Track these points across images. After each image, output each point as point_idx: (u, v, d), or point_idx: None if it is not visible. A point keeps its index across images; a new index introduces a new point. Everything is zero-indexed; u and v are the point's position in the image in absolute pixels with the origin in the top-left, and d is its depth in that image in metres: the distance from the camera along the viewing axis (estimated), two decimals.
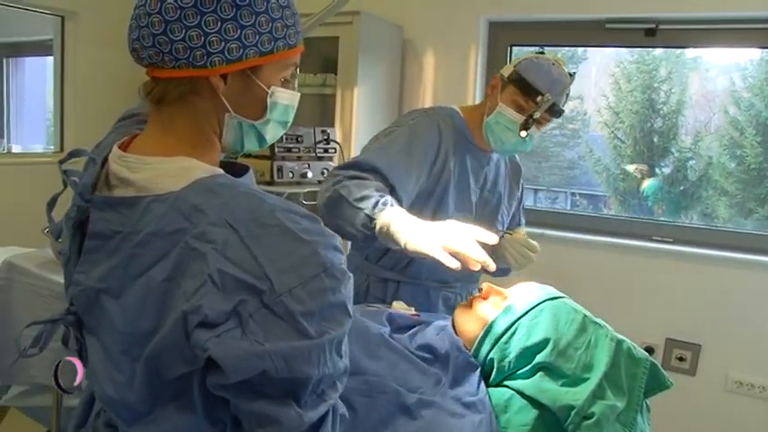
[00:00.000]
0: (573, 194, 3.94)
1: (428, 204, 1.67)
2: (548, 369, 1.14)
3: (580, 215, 3.31)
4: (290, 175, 2.39)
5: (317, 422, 0.77)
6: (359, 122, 2.85)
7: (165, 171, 0.84)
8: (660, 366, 1.18)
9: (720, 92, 3.35)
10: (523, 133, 1.63)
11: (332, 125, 2.84)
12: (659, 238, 2.93)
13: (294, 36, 0.91)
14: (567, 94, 1.70)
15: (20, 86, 4.22)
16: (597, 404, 1.07)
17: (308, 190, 2.43)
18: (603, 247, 2.95)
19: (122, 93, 3.14)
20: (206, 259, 0.75)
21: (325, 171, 2.50)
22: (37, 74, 4.23)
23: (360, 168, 1.52)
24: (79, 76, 3.30)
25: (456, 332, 1.29)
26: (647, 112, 3.46)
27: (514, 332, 1.19)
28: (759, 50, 2.95)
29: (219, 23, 0.83)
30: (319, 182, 2.49)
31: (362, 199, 1.36)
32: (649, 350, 2.81)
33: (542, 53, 1.70)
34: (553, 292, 1.27)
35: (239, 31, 0.84)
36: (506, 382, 1.19)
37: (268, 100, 0.92)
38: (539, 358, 1.14)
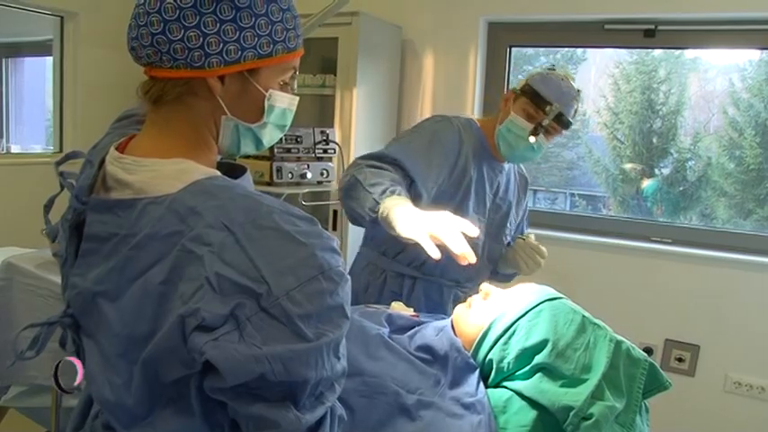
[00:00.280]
0: (572, 195, 3.94)
1: (449, 206, 1.72)
2: (547, 370, 1.14)
3: (579, 216, 3.31)
4: (290, 175, 2.39)
5: (316, 425, 0.77)
6: (358, 123, 2.86)
7: (161, 173, 0.84)
8: (659, 367, 1.18)
9: (719, 93, 3.35)
10: (532, 138, 1.74)
11: (331, 126, 2.84)
12: (658, 239, 2.93)
13: (294, 39, 0.91)
14: (576, 110, 1.80)
15: (19, 87, 4.22)
16: (596, 405, 1.07)
17: (307, 190, 2.43)
18: (603, 248, 2.96)
19: (122, 93, 3.15)
20: (203, 262, 0.75)
21: (324, 172, 2.50)
22: (36, 74, 4.22)
23: (381, 159, 1.60)
24: (78, 76, 3.30)
25: (455, 333, 1.29)
26: (647, 113, 3.46)
27: (513, 333, 1.19)
28: (758, 51, 2.96)
29: (218, 25, 0.83)
30: (318, 182, 2.50)
31: (374, 185, 1.44)
32: (648, 351, 2.81)
33: (553, 69, 1.81)
34: (552, 292, 1.27)
35: (238, 33, 0.84)
36: (505, 383, 1.19)
37: (265, 103, 0.91)
38: (538, 359, 1.14)
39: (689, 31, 2.82)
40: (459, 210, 1.75)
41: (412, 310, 1.47)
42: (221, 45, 0.83)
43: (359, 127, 2.87)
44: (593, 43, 3.17)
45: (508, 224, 1.95)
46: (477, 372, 1.20)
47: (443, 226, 1.23)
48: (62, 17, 3.26)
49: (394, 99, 3.21)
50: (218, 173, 0.87)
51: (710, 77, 3.41)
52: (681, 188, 3.39)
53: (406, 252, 1.82)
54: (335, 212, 2.73)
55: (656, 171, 3.48)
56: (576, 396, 1.09)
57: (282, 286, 0.74)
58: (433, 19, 3.16)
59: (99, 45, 3.28)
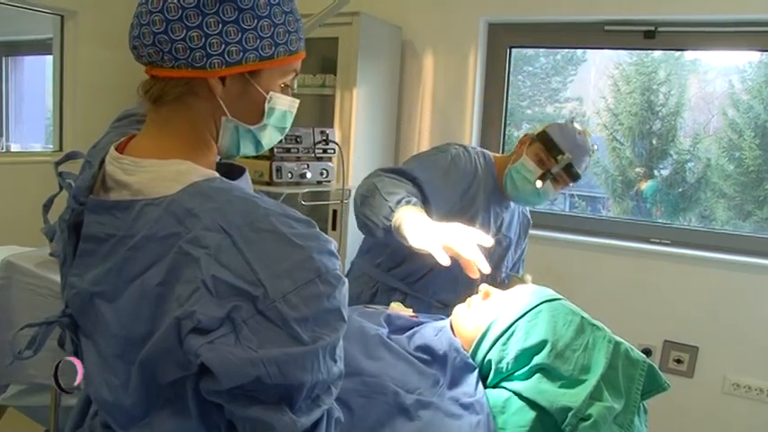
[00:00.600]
0: (571, 196, 3.94)
1: None
2: (545, 370, 1.14)
3: (579, 217, 3.31)
4: (289, 175, 2.39)
5: (311, 427, 0.77)
6: (358, 123, 2.86)
7: (160, 174, 0.84)
8: (657, 368, 1.18)
9: (719, 94, 3.35)
10: (539, 183, 1.77)
11: (331, 126, 2.84)
12: (657, 240, 2.93)
13: (296, 42, 0.91)
14: (587, 166, 1.85)
15: (19, 85, 4.21)
16: (594, 406, 1.08)
17: (306, 190, 2.43)
18: (602, 249, 2.96)
19: (122, 92, 3.15)
20: (199, 264, 0.75)
21: (324, 172, 2.50)
22: (36, 73, 4.22)
23: (401, 174, 1.64)
24: (78, 75, 3.29)
25: (454, 333, 1.29)
26: (646, 114, 3.46)
27: (512, 333, 1.19)
28: (758, 53, 2.96)
29: (221, 25, 0.83)
30: (318, 182, 2.50)
31: (392, 193, 1.47)
32: (647, 352, 2.81)
33: (573, 121, 1.85)
34: (551, 293, 1.27)
35: (240, 35, 0.84)
36: (504, 384, 1.19)
37: (266, 105, 0.91)
38: (536, 360, 1.15)
39: (689, 33, 2.82)
40: None
41: (411, 310, 1.47)
42: (223, 46, 0.83)
43: (359, 127, 2.87)
44: (593, 44, 3.17)
45: (506, 261, 1.98)
46: (476, 372, 1.20)
47: (458, 236, 1.25)
48: (62, 16, 3.26)
49: (394, 99, 3.21)
50: (217, 174, 0.87)
51: (710, 79, 3.42)
52: (680, 189, 3.40)
53: (401, 267, 1.84)
54: (335, 212, 2.73)
55: (656, 172, 3.48)
56: (574, 397, 1.09)
57: (279, 289, 0.74)
58: (433, 19, 3.16)
59: (99, 44, 3.28)
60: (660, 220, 3.35)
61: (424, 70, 3.23)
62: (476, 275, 1.26)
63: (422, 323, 1.33)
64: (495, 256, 1.90)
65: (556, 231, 3.08)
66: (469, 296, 1.33)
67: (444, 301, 1.83)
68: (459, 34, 3.12)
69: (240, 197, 0.82)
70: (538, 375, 1.15)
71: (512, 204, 1.97)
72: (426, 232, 1.30)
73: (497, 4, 3.05)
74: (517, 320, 1.20)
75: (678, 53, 3.28)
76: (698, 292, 2.77)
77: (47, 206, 0.96)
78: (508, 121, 3.32)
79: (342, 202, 2.46)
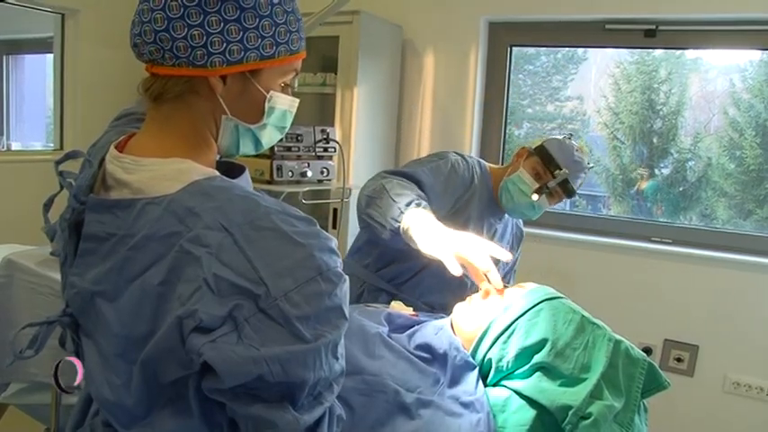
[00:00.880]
0: None
1: None
2: (546, 369, 1.14)
3: (579, 215, 3.31)
4: (290, 174, 2.39)
5: (314, 425, 0.77)
6: (359, 122, 2.86)
7: (160, 173, 0.84)
8: (658, 367, 1.18)
9: (720, 93, 3.35)
10: (535, 196, 1.79)
11: (332, 124, 2.84)
12: (658, 239, 2.93)
13: (297, 42, 0.92)
14: (581, 183, 1.87)
15: (20, 84, 4.21)
16: (595, 404, 1.08)
17: (307, 189, 2.43)
18: (602, 248, 2.96)
19: (122, 91, 3.15)
20: (201, 263, 0.75)
21: (324, 170, 2.50)
22: (37, 71, 4.22)
23: (406, 177, 1.63)
24: (79, 73, 3.29)
25: (454, 332, 1.29)
26: (647, 113, 3.46)
27: (513, 332, 1.19)
28: (759, 52, 2.95)
29: (222, 24, 0.83)
30: (319, 181, 2.50)
31: (401, 195, 1.46)
32: (647, 351, 2.81)
33: (570, 137, 1.87)
34: (552, 292, 1.27)
35: (242, 33, 0.84)
36: (504, 382, 1.19)
37: (266, 104, 0.92)
38: (537, 358, 1.15)
39: (690, 32, 2.82)
40: None
41: (411, 309, 1.47)
42: (224, 45, 0.84)
43: (359, 126, 2.87)
44: (594, 43, 3.17)
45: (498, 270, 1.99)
46: (477, 370, 1.20)
47: (471, 247, 1.25)
48: (63, 14, 3.26)
49: (394, 98, 3.21)
50: (217, 173, 0.87)
51: (711, 78, 3.41)
52: (681, 188, 3.39)
53: (389, 268, 1.83)
54: (335, 211, 2.73)
55: (657, 171, 3.48)
56: (574, 395, 1.09)
57: (281, 287, 0.74)
58: (433, 18, 3.16)
59: (100, 42, 3.28)
60: (661, 219, 3.35)
61: (425, 69, 3.23)
62: (483, 288, 1.28)
63: (422, 322, 1.33)
64: None
65: (556, 230, 3.08)
66: (458, 299, 1.34)
67: (431, 303, 1.83)
68: (460, 33, 3.12)
69: (241, 196, 0.82)
70: (538, 374, 1.15)
71: (506, 216, 1.98)
72: (438, 239, 1.29)
73: (498, 2, 3.05)
74: (517, 319, 1.20)
75: (679, 52, 3.27)
76: (698, 291, 2.77)
77: (47, 205, 0.96)
78: (509, 120, 3.32)
79: (342, 200, 2.46)
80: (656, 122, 3.45)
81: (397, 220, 1.41)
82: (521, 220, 2.09)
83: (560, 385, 1.12)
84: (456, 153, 1.87)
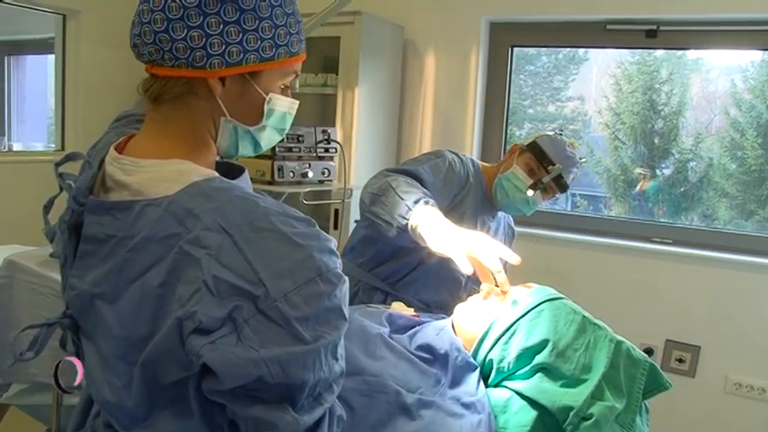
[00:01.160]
0: (573, 195, 3.93)
1: None
2: (547, 370, 1.14)
3: (581, 216, 3.31)
4: (291, 174, 2.39)
5: (314, 425, 0.77)
6: (360, 122, 2.86)
7: (159, 174, 0.84)
8: (659, 368, 1.18)
9: (721, 93, 3.35)
10: (530, 192, 1.82)
11: (333, 125, 2.84)
12: (659, 240, 2.93)
13: (297, 44, 0.92)
14: (574, 177, 1.90)
15: (21, 84, 4.22)
16: (596, 405, 1.07)
17: (308, 190, 2.43)
18: (604, 248, 2.96)
19: (124, 91, 3.15)
20: (200, 265, 0.75)
21: (325, 171, 2.50)
22: (38, 72, 4.22)
23: (408, 174, 1.64)
24: (80, 74, 3.30)
25: (455, 332, 1.29)
26: (648, 114, 3.46)
27: (514, 333, 1.19)
28: (760, 52, 2.95)
29: (222, 26, 0.83)
30: (320, 181, 2.50)
31: (408, 192, 1.46)
32: (649, 351, 2.81)
33: (561, 133, 1.90)
34: (553, 292, 1.27)
35: (241, 35, 0.84)
36: (505, 383, 1.19)
37: (265, 106, 0.92)
38: (538, 359, 1.14)
39: (691, 32, 2.82)
40: None
41: (412, 310, 1.47)
42: (224, 46, 0.84)
43: (360, 126, 2.87)
44: (595, 43, 3.17)
45: None
46: (478, 371, 1.20)
47: (483, 246, 1.25)
48: (64, 15, 3.27)
49: (395, 98, 3.21)
50: (216, 174, 0.87)
51: (712, 78, 3.41)
52: (682, 189, 3.39)
53: (383, 267, 1.84)
54: (337, 211, 2.73)
55: (658, 171, 3.48)
56: (576, 396, 1.09)
57: (280, 289, 0.74)
58: (434, 19, 3.16)
59: (101, 43, 3.29)
60: (662, 220, 3.35)
61: (426, 69, 3.23)
62: (487, 289, 1.28)
63: (423, 323, 1.33)
64: None
65: (557, 231, 3.08)
66: (454, 296, 1.34)
67: (426, 300, 1.83)
68: (461, 33, 3.12)
69: (240, 197, 0.82)
70: (539, 375, 1.15)
71: (499, 214, 2.01)
72: (449, 237, 1.29)
73: (499, 3, 3.05)
74: (518, 320, 1.20)
75: (680, 52, 3.27)
76: (700, 292, 2.77)
77: (47, 207, 0.95)
78: (510, 121, 3.32)
79: (343, 201, 2.46)
80: (658, 123, 3.45)
81: (404, 218, 1.41)
82: (512, 220, 2.11)
83: (561, 386, 1.12)
84: (451, 151, 1.88)
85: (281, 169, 2.36)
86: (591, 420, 1.06)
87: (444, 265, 1.62)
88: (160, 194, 0.82)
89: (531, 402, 1.12)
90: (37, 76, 4.22)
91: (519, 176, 1.84)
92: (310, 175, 2.45)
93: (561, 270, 2.95)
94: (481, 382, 1.19)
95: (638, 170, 3.51)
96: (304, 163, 2.44)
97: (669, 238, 2.93)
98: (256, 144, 0.96)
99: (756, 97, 3.19)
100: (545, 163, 1.82)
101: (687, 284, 2.79)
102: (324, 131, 2.50)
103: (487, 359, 1.20)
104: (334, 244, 0.81)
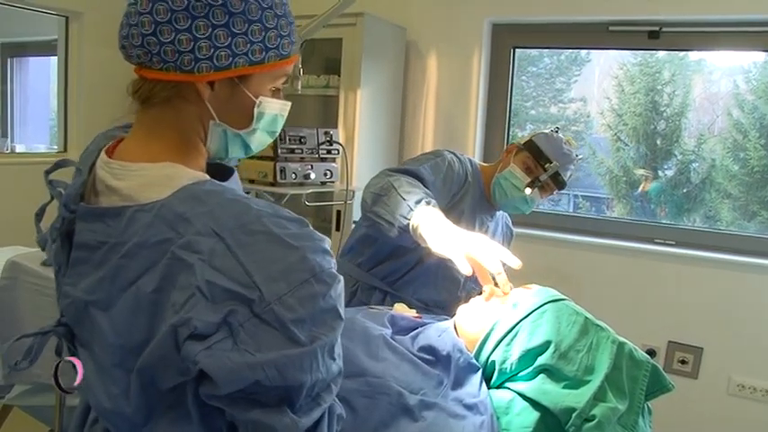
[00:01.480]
0: (575, 197, 3.94)
1: None
2: (549, 371, 1.14)
3: (582, 217, 3.31)
4: (293, 176, 2.39)
5: (313, 426, 0.77)
6: (362, 124, 2.86)
7: (149, 179, 0.83)
8: (662, 369, 1.18)
9: (724, 94, 3.35)
10: (528, 190, 1.83)
11: (335, 126, 2.84)
12: (662, 241, 2.93)
13: (288, 46, 0.90)
14: (571, 175, 1.91)
15: (23, 86, 4.23)
16: (598, 406, 1.07)
17: (310, 191, 2.44)
18: (606, 250, 2.95)
19: (125, 93, 3.15)
20: (193, 270, 0.74)
21: (327, 172, 2.50)
22: (41, 74, 4.24)
23: (410, 174, 1.64)
24: (83, 76, 3.30)
25: (457, 333, 1.29)
26: (651, 115, 3.46)
27: (516, 334, 1.18)
28: (763, 53, 2.95)
29: (210, 29, 0.82)
30: (322, 183, 2.50)
31: (410, 193, 1.46)
32: (651, 353, 2.80)
33: (557, 131, 1.91)
34: (555, 294, 1.27)
35: (230, 39, 0.83)
36: (508, 384, 1.18)
37: (255, 110, 0.90)
38: (540, 360, 1.14)
39: (693, 33, 2.82)
40: None
41: (414, 311, 1.47)
42: (212, 50, 0.83)
43: (363, 128, 2.87)
44: (598, 45, 3.17)
45: None
46: (480, 372, 1.20)
47: (484, 248, 1.25)
48: (67, 17, 3.27)
49: (398, 100, 3.21)
50: (207, 177, 0.86)
51: (715, 79, 3.41)
52: (684, 190, 3.39)
53: (382, 266, 1.85)
54: (339, 213, 2.73)
55: (660, 173, 3.48)
56: (578, 397, 1.09)
57: (274, 291, 0.73)
58: (437, 20, 3.16)
59: (103, 45, 3.29)
60: (664, 221, 3.35)
61: (428, 71, 3.23)
62: (488, 291, 1.28)
63: (425, 324, 1.33)
64: None
65: (560, 232, 3.08)
66: (452, 296, 1.34)
67: (424, 299, 1.84)
68: (463, 35, 3.12)
69: (231, 199, 0.81)
70: (542, 376, 1.14)
71: (497, 214, 2.01)
72: (449, 238, 1.30)
73: (501, 4, 3.05)
74: (521, 321, 1.20)
75: (682, 53, 3.27)
76: (702, 293, 2.76)
77: (39, 215, 0.94)
78: (512, 122, 3.32)
79: (346, 202, 2.46)
80: (660, 124, 3.45)
81: (406, 218, 1.41)
82: (510, 220, 2.12)
83: (564, 387, 1.12)
84: (449, 151, 1.89)
85: (283, 171, 2.36)
86: (593, 422, 1.06)
87: (443, 265, 1.62)
88: (151, 199, 0.81)
89: (534, 404, 1.12)
90: (39, 78, 4.23)
91: (516, 175, 1.85)
92: (312, 176, 2.45)
93: (563, 271, 2.94)
94: (483, 384, 1.19)
95: (641, 171, 3.51)
96: (306, 164, 2.44)
97: (671, 239, 2.92)
98: (247, 147, 0.95)
99: (759, 98, 3.19)
100: (542, 161, 1.83)
101: (689, 286, 2.78)
102: (326, 133, 2.50)
103: (490, 360, 1.20)
104: (327, 243, 0.81)
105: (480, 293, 1.34)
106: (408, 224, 1.40)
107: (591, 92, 3.84)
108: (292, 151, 2.39)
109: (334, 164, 2.54)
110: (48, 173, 0.92)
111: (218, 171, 0.97)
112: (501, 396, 1.17)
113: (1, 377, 1.99)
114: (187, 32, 0.81)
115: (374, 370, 1.09)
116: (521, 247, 1.92)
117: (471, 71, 3.13)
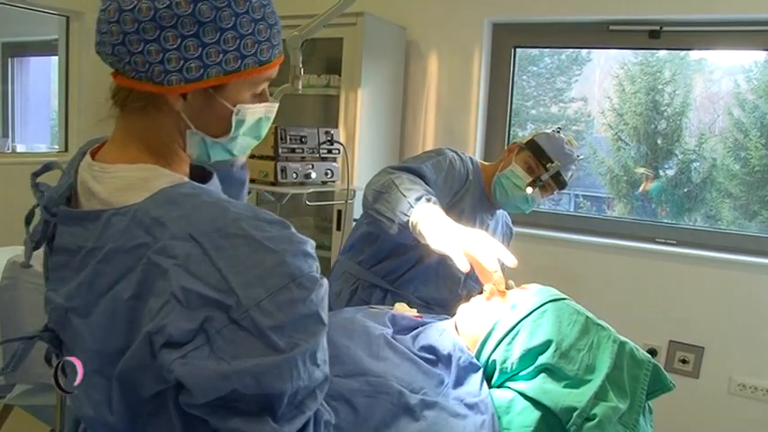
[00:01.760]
0: (576, 196, 3.94)
1: None
2: (550, 370, 1.14)
3: (583, 217, 3.31)
4: (294, 175, 2.39)
5: None
6: (362, 123, 2.86)
7: (126, 180, 0.82)
8: (663, 368, 1.18)
9: (724, 94, 3.35)
10: (529, 190, 1.84)
11: (336, 126, 2.84)
12: (663, 240, 2.92)
13: (267, 51, 0.86)
14: (572, 175, 1.92)
15: (24, 86, 4.23)
16: (599, 406, 1.07)
17: (311, 191, 2.44)
18: (607, 249, 2.95)
19: None
20: (168, 276, 0.72)
21: (328, 172, 2.50)
22: (41, 74, 4.24)
23: (411, 172, 1.65)
24: (83, 76, 3.30)
25: (458, 333, 1.29)
26: (651, 114, 3.46)
27: (517, 333, 1.18)
28: (763, 52, 2.95)
29: (179, 40, 0.79)
30: (323, 182, 2.50)
31: (411, 190, 1.46)
32: (652, 352, 2.80)
33: (559, 131, 1.92)
34: (556, 293, 1.27)
35: (200, 50, 0.80)
36: (509, 384, 1.18)
37: (233, 118, 0.87)
38: (541, 360, 1.14)
39: (694, 33, 2.82)
40: None
41: (415, 311, 1.47)
42: (182, 62, 0.80)
43: (363, 127, 2.87)
44: (598, 44, 3.17)
45: None
46: (481, 372, 1.20)
47: (481, 245, 1.26)
48: (68, 17, 3.27)
49: (398, 100, 3.21)
50: (186, 179, 0.84)
51: (715, 79, 3.41)
52: (685, 189, 3.39)
53: (382, 264, 1.85)
54: (340, 212, 2.73)
55: (661, 172, 3.48)
56: (579, 397, 1.09)
57: (252, 297, 0.71)
58: (437, 20, 3.16)
59: None
60: (665, 221, 3.35)
61: (429, 70, 3.23)
62: (488, 289, 1.28)
63: (426, 323, 1.33)
64: None
65: (560, 231, 3.07)
66: (452, 294, 1.34)
67: (425, 298, 1.84)
68: (464, 34, 3.11)
69: (208, 202, 0.79)
70: (542, 375, 1.14)
71: (497, 213, 2.02)
72: (448, 235, 1.30)
73: (502, 4, 3.05)
74: (522, 320, 1.20)
75: (683, 53, 3.27)
76: (703, 293, 2.76)
77: (28, 218, 0.93)
78: (513, 122, 3.32)
79: (347, 202, 2.46)
80: (661, 123, 3.45)
81: (406, 215, 1.41)
82: (509, 219, 2.12)
83: (565, 387, 1.12)
84: (450, 150, 1.89)
85: (284, 170, 2.36)
86: (594, 421, 1.06)
87: (443, 263, 1.62)
88: (127, 203, 0.79)
89: (535, 403, 1.12)
90: (40, 78, 4.23)
91: (518, 174, 1.86)
92: (313, 176, 2.45)
93: (564, 271, 2.94)
94: (484, 383, 1.19)
95: (641, 171, 3.51)
96: (307, 164, 2.44)
97: (672, 238, 2.92)
98: (230, 152, 0.93)
99: (760, 98, 3.19)
100: (543, 160, 1.83)
101: (690, 285, 2.78)
102: (327, 132, 2.50)
103: (491, 360, 1.20)
104: (310, 246, 0.79)
105: (481, 292, 1.34)
106: (408, 221, 1.40)
107: (591, 91, 3.84)
108: (293, 151, 2.39)
109: (334, 163, 2.54)
110: (35, 175, 0.91)
111: (203, 173, 0.95)
112: (502, 395, 1.17)
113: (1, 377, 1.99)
114: (155, 43, 0.78)
115: (375, 369, 1.09)
116: (521, 246, 1.92)
117: (472, 71, 3.12)
